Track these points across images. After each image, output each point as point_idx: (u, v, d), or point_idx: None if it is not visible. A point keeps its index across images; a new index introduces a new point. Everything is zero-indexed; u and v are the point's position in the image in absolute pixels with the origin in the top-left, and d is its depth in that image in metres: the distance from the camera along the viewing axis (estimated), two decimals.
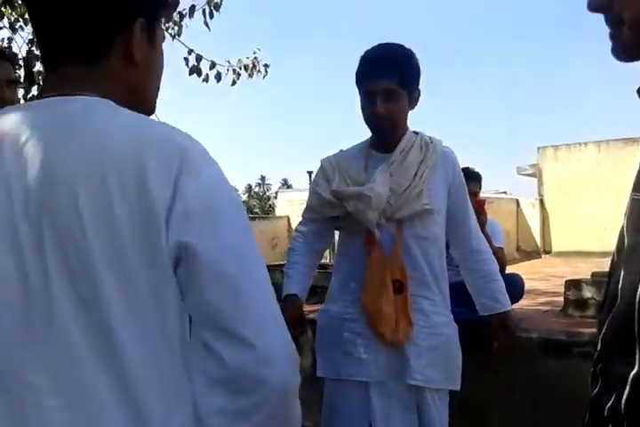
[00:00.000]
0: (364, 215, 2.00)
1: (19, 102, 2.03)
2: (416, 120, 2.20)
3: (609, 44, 0.79)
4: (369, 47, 2.09)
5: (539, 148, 12.90)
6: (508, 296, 2.28)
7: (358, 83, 2.08)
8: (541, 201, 12.48)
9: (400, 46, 2.07)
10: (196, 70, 4.92)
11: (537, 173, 12.89)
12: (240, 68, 5.22)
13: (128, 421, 0.84)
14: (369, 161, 2.13)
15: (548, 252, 12.08)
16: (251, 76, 5.26)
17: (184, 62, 4.93)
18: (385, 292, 2.00)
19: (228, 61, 5.20)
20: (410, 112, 2.13)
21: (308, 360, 3.07)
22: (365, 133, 2.19)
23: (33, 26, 0.98)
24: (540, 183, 12.72)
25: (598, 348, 0.90)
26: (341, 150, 2.24)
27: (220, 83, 5.02)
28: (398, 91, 2.00)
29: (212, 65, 4.98)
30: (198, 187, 0.85)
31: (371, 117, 2.06)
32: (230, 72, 5.18)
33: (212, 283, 0.83)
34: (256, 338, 0.83)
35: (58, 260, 0.84)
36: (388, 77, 1.97)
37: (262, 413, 0.83)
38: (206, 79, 4.97)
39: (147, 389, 0.85)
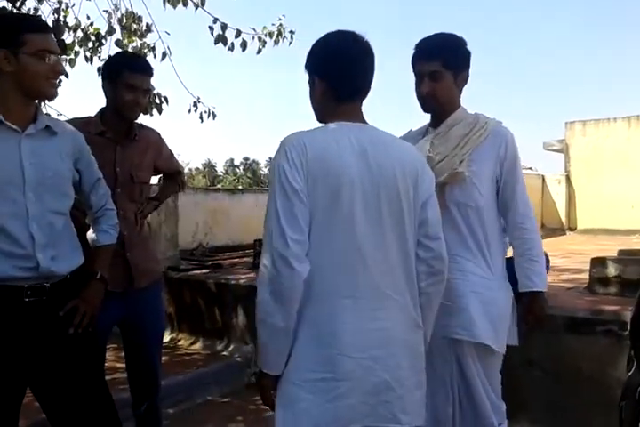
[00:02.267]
0: None
1: (60, 71, 2.02)
2: None
3: None
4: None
5: (566, 123, 12.65)
6: (544, 278, 2.33)
7: (413, 66, 2.32)
8: (567, 177, 12.30)
9: (446, 34, 2.33)
10: (221, 39, 4.88)
11: (564, 149, 12.67)
12: (265, 36, 5.17)
13: (409, 295, 1.75)
14: (426, 136, 2.37)
15: (572, 229, 11.95)
16: (277, 43, 5.21)
17: (209, 31, 4.89)
18: None
19: (254, 29, 5.15)
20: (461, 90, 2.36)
21: None
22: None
23: (342, 76, 1.74)
24: (567, 159, 12.52)
25: (629, 329, 0.88)
26: (410, 130, 2.50)
27: (246, 51, 5.00)
28: (442, 72, 2.25)
29: (238, 33, 4.94)
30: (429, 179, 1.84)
31: (419, 95, 2.32)
32: (256, 40, 5.13)
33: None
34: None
35: (387, 211, 1.69)
36: (432, 60, 2.24)
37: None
38: (232, 48, 4.93)
39: (410, 277, 1.76)
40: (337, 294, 1.65)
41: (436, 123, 2.37)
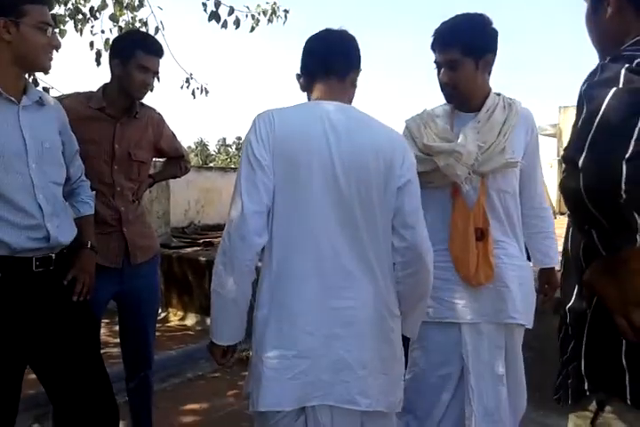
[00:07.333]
0: (453, 170, 2.16)
1: (58, 45, 1.98)
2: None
3: None
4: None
5: (560, 107, 12.67)
6: (557, 254, 2.40)
7: (433, 54, 2.24)
8: (560, 162, 12.33)
9: (467, 16, 2.18)
10: (214, 16, 4.80)
11: (557, 134, 12.70)
12: (259, 14, 5.11)
13: (370, 277, 1.71)
14: (455, 120, 2.28)
15: (563, 213, 12.02)
16: (270, 21, 5.15)
17: (202, 8, 4.82)
18: (468, 239, 2.20)
19: (247, 7, 5.09)
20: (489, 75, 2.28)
21: None
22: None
23: (320, 54, 1.78)
24: (560, 144, 12.56)
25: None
26: (425, 110, 2.37)
27: (239, 29, 4.94)
28: (461, 59, 2.13)
29: (231, 11, 4.87)
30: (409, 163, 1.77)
31: (440, 86, 2.24)
32: (249, 18, 5.08)
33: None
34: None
35: (356, 191, 1.65)
36: (449, 49, 2.13)
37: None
38: (225, 25, 4.86)
39: (382, 261, 1.74)
40: (303, 272, 1.65)
41: (464, 107, 2.29)
